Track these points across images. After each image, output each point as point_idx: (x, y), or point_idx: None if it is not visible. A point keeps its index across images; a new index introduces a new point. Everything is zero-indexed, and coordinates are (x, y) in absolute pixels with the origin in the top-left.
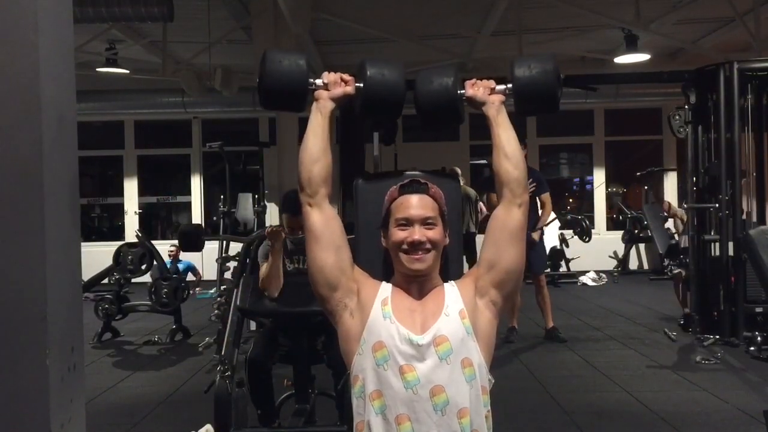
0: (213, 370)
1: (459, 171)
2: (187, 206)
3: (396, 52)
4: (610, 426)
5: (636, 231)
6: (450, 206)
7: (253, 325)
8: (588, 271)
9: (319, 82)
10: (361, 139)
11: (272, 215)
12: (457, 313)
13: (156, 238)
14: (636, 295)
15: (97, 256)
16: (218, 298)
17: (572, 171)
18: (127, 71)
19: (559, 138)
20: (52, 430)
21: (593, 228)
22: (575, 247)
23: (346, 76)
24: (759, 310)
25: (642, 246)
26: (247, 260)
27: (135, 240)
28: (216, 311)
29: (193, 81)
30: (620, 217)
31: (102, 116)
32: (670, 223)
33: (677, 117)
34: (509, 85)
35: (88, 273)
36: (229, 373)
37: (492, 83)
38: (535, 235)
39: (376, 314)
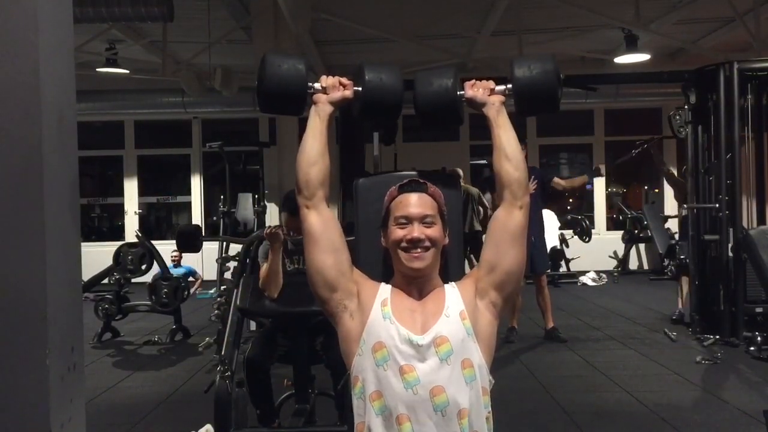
0: (213, 370)
1: (461, 173)
2: (187, 206)
3: (396, 52)
4: (610, 426)
5: (636, 231)
6: (450, 207)
7: (253, 325)
8: (588, 271)
9: (317, 85)
10: (361, 139)
11: (272, 215)
12: (457, 314)
13: (156, 238)
14: (636, 295)
15: (97, 256)
16: (218, 298)
17: (572, 171)
18: (127, 71)
19: (559, 138)
20: (52, 430)
21: (593, 228)
22: (575, 247)
23: (344, 80)
24: (759, 310)
25: (642, 246)
26: (247, 260)
27: (135, 240)
28: (216, 311)
29: (193, 81)
30: (620, 217)
31: (102, 116)
32: (670, 223)
33: (677, 117)
34: (509, 86)
35: (88, 273)
36: (229, 373)
37: (492, 84)
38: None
39: (376, 315)
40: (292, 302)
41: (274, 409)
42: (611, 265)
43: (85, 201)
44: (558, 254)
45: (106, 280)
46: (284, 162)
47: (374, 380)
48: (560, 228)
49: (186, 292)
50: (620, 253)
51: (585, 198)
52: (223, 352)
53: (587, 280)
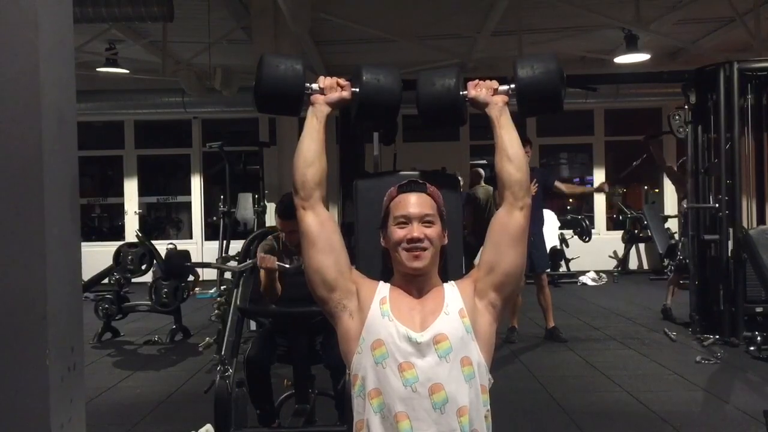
0: (213, 370)
1: (461, 180)
2: (187, 206)
3: (396, 52)
4: (610, 426)
5: (636, 231)
6: (449, 207)
7: (253, 325)
8: (588, 271)
9: (315, 86)
10: (360, 139)
11: (272, 215)
12: (456, 312)
13: (156, 238)
14: (636, 295)
15: (97, 256)
16: (218, 298)
17: (572, 171)
18: (127, 71)
19: (559, 138)
20: (52, 430)
21: (593, 228)
22: (575, 247)
23: (342, 81)
24: (759, 310)
25: (642, 246)
26: (248, 260)
27: (135, 240)
28: (216, 311)
29: (193, 81)
30: (620, 217)
31: (102, 116)
32: (670, 223)
33: (677, 117)
34: (512, 86)
35: (88, 273)
36: (229, 373)
37: (495, 84)
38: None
39: (375, 313)
40: (292, 302)
41: (274, 409)
42: (611, 265)
43: (85, 201)
44: (558, 254)
45: (106, 280)
46: (284, 162)
47: (373, 378)
48: (560, 228)
49: (186, 292)
50: (620, 253)
51: (585, 198)
52: (223, 352)
53: (587, 280)
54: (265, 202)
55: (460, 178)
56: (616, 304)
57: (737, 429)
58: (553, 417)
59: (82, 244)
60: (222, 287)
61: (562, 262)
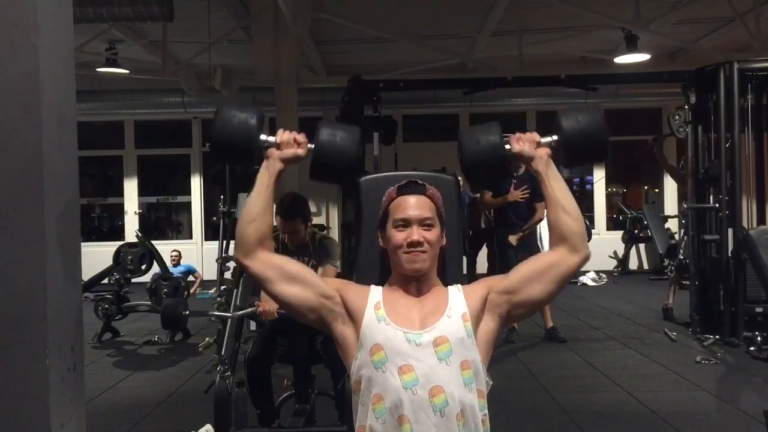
0: (213, 370)
1: (462, 181)
2: (187, 206)
3: (396, 52)
4: (610, 426)
5: (636, 231)
6: (449, 207)
7: (253, 325)
8: (588, 271)
9: (271, 139)
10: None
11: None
12: (459, 315)
13: (156, 238)
14: (636, 295)
15: (97, 256)
16: (218, 298)
17: (572, 171)
18: (127, 71)
19: None
20: (52, 430)
21: (593, 228)
22: None
23: (300, 137)
24: (759, 310)
25: (642, 246)
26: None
27: (135, 240)
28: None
29: (193, 81)
30: (620, 217)
31: (102, 116)
32: (670, 223)
33: (677, 117)
34: (554, 137)
35: (88, 273)
36: (229, 373)
37: (536, 136)
38: (513, 239)
39: (370, 319)
40: None
41: (274, 409)
42: (611, 265)
43: (85, 201)
44: None
45: (106, 280)
46: None
47: (374, 383)
48: None
49: (186, 292)
50: (620, 253)
51: (585, 198)
52: (223, 352)
53: (587, 280)
54: None
55: (460, 178)
56: (616, 304)
57: (737, 429)
58: (553, 417)
59: (82, 244)
60: (222, 287)
61: None
